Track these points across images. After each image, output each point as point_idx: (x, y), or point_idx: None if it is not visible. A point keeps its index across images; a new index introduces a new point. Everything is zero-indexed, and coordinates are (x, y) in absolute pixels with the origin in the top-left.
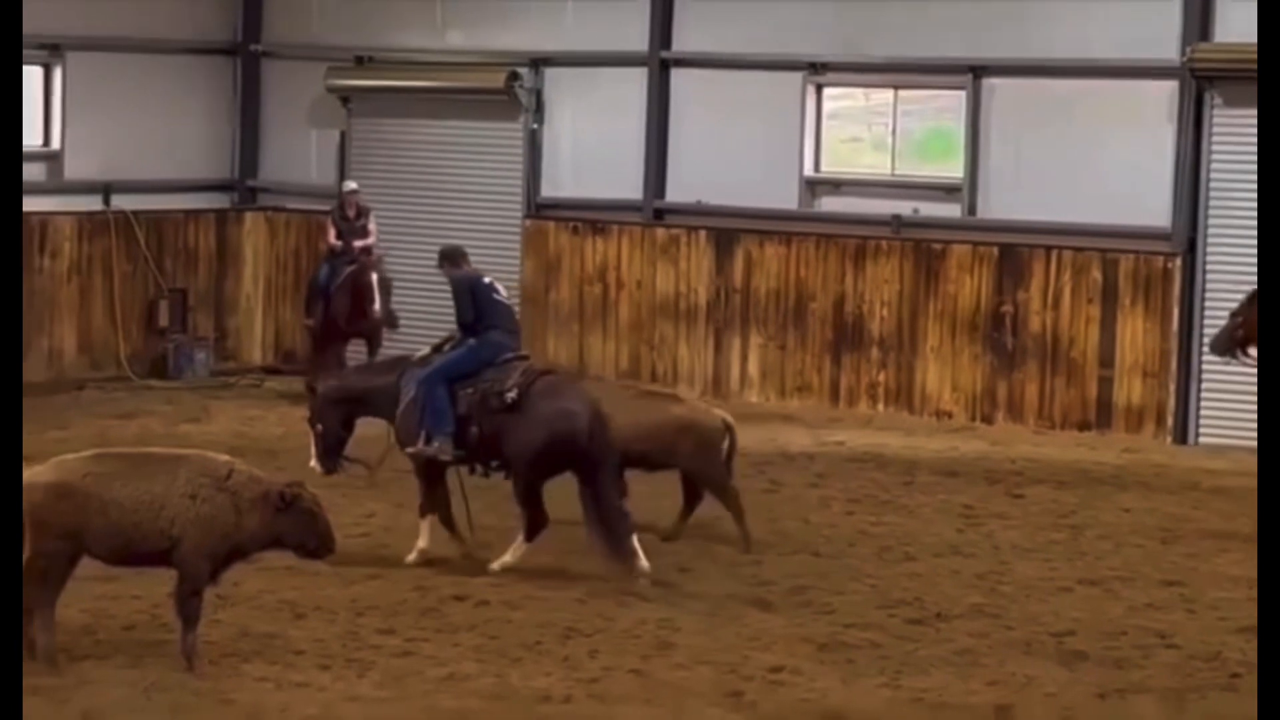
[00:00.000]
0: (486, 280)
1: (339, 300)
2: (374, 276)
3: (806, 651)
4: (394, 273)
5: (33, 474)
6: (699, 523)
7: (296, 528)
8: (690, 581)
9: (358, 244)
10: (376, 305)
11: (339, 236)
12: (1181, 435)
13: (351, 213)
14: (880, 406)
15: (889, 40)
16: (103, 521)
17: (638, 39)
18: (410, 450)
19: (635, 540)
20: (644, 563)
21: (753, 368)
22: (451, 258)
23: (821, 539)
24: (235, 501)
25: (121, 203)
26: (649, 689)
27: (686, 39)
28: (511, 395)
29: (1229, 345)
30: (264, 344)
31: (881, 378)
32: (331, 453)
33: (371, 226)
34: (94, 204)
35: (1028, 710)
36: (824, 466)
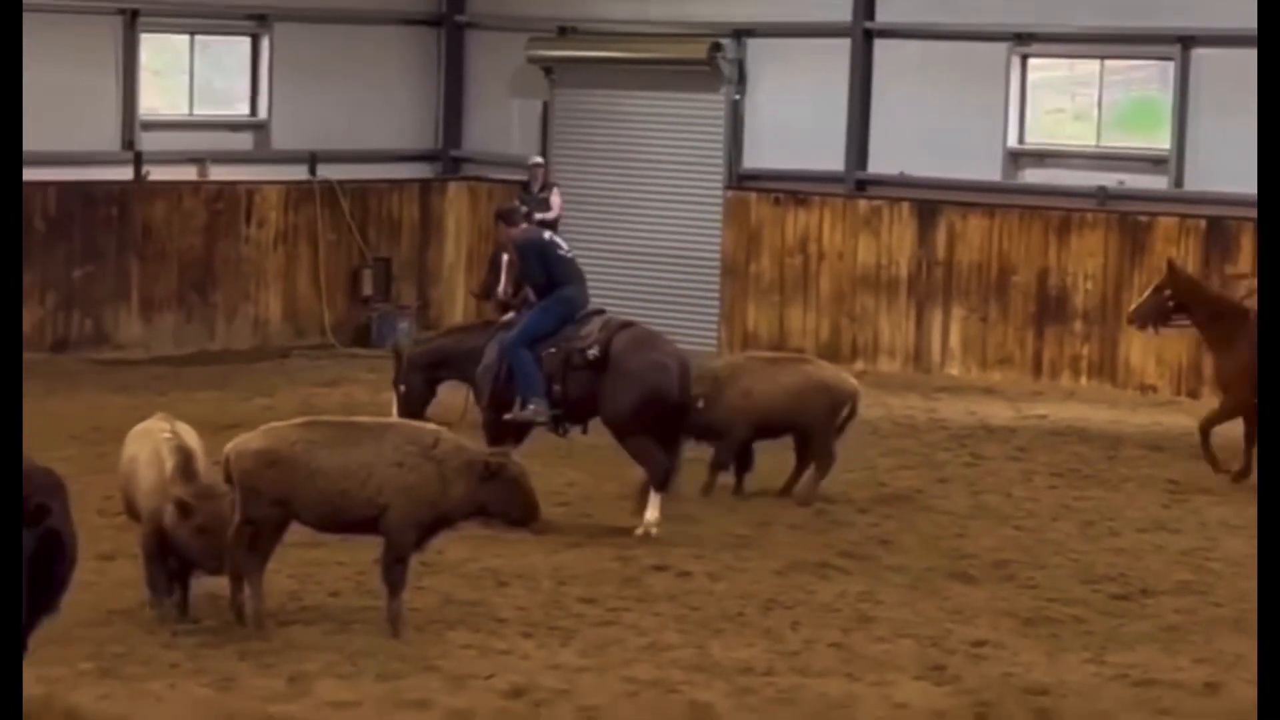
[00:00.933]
0: (548, 237)
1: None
2: (505, 257)
3: (1010, 626)
4: (595, 244)
5: (243, 441)
6: (900, 495)
7: (501, 497)
8: (890, 554)
9: (537, 216)
10: (501, 287)
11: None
12: None
13: (536, 186)
14: (1083, 380)
15: (1094, 9)
16: (311, 489)
17: (841, 9)
18: (508, 416)
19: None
20: (652, 514)
21: (954, 340)
22: (508, 217)
23: (1024, 513)
24: (441, 470)
25: (327, 172)
26: (850, 662)
27: (889, 9)
28: (593, 352)
29: (1158, 316)
30: (465, 313)
31: (1085, 351)
32: (414, 415)
33: (555, 200)
34: (300, 174)
35: (1237, 688)
36: (1026, 440)
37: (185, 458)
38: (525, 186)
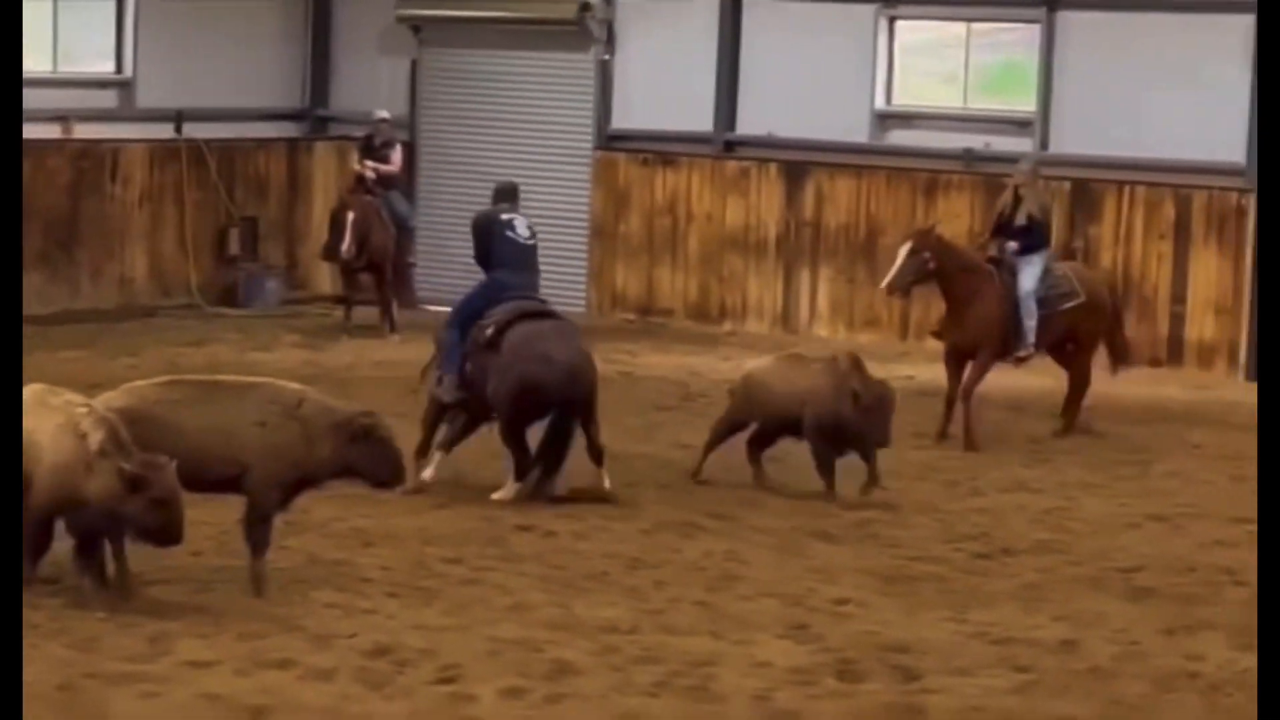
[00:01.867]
0: (505, 218)
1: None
2: (350, 215)
3: (872, 585)
4: (463, 204)
5: (105, 399)
6: (767, 455)
7: (368, 458)
8: (756, 515)
9: (370, 166)
10: (346, 244)
11: (361, 163)
12: (1254, 372)
13: (378, 140)
14: None
15: None
16: (172, 448)
17: None
18: (430, 390)
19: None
20: (502, 494)
21: (822, 301)
22: (499, 194)
23: (888, 473)
24: (306, 430)
25: (193, 131)
26: (714, 620)
27: None
28: (488, 333)
29: (918, 279)
30: (332, 274)
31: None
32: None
33: (395, 156)
34: (165, 132)
35: (1094, 645)
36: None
37: (112, 429)
38: (368, 140)
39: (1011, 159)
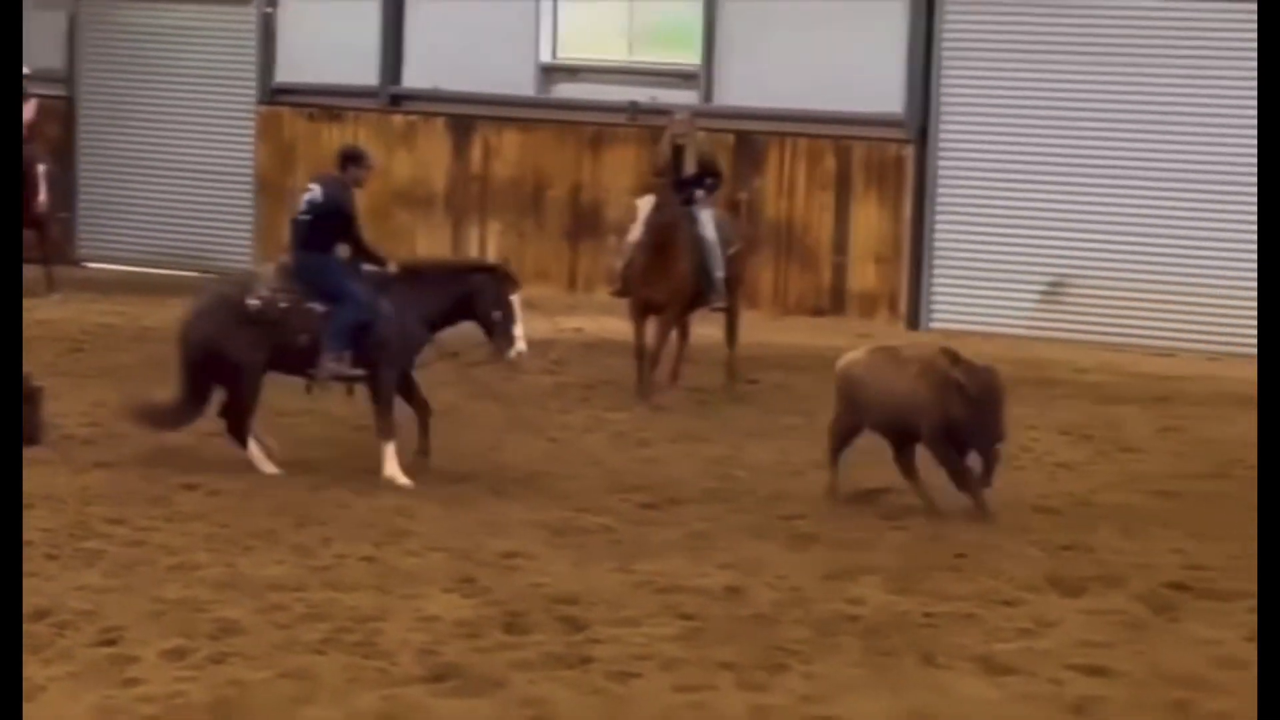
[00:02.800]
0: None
1: None
2: (41, 168)
3: (540, 537)
4: (124, 160)
5: None
6: (437, 410)
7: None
8: (427, 469)
9: None
10: (42, 196)
11: None
12: (914, 320)
13: None
14: None
15: None
16: None
17: None
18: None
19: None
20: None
21: (491, 255)
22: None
23: (557, 426)
24: None
25: None
26: (382, 576)
27: None
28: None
29: None
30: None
31: (620, 265)
32: None
33: (29, 109)
34: None
35: (757, 592)
36: (561, 353)
37: None
38: None
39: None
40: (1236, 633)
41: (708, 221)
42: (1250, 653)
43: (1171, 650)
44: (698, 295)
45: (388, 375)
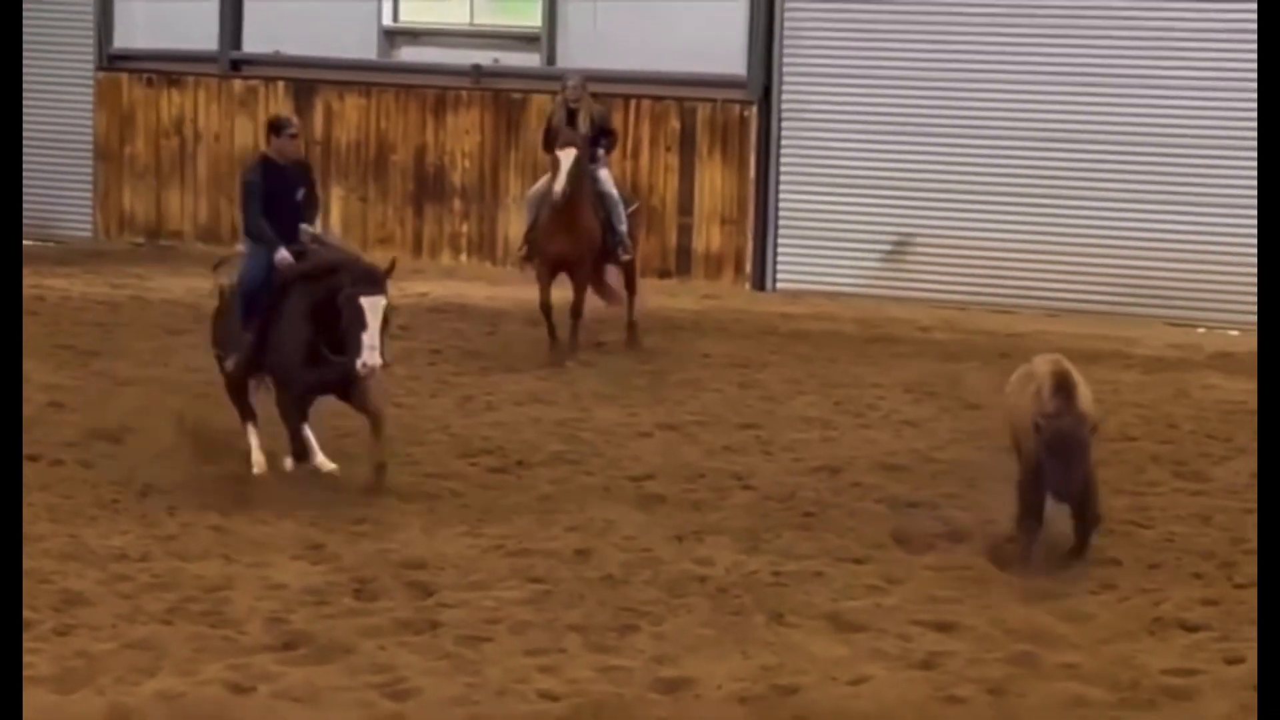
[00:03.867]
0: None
1: None
2: None
3: (388, 503)
4: None
5: None
6: None
7: None
8: (276, 437)
9: None
10: None
11: None
12: (760, 281)
13: None
14: (463, 257)
15: None
16: None
17: None
18: None
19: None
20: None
21: (335, 220)
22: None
23: (404, 390)
24: None
25: None
26: (229, 544)
27: None
28: None
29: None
30: None
31: (464, 229)
32: None
33: None
34: None
35: (606, 554)
36: (407, 318)
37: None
38: None
39: (519, 74)
40: (1080, 585)
41: (608, 179)
42: (1094, 605)
43: (1017, 604)
44: (605, 251)
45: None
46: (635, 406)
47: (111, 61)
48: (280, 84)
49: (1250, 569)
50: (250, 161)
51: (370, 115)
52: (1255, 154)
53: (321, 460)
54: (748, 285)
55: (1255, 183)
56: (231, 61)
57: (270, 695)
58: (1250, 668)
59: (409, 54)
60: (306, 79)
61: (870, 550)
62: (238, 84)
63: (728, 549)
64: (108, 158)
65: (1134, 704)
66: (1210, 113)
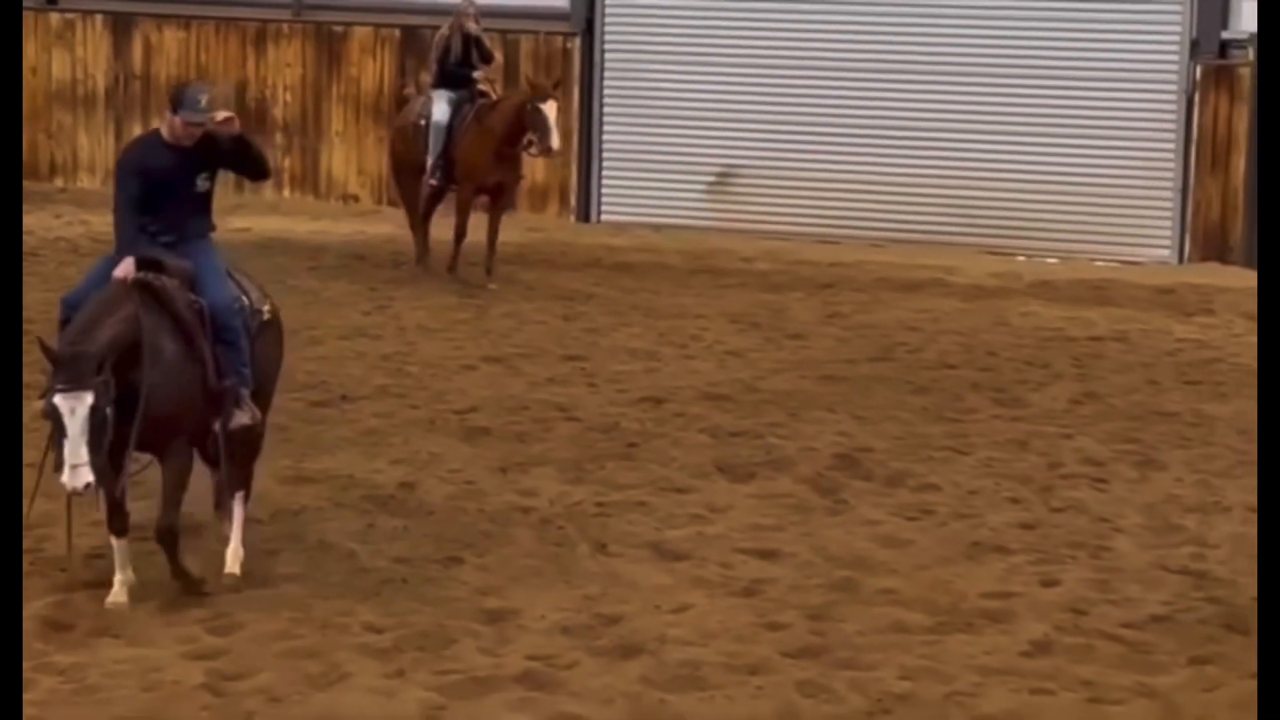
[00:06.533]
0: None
1: None
2: None
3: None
4: None
5: None
6: None
7: None
8: None
9: None
10: None
11: None
12: (584, 214)
13: None
14: (286, 192)
15: None
16: None
17: None
18: None
19: None
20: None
21: None
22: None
23: None
24: None
25: None
26: (41, 483)
27: None
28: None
29: None
30: None
31: (287, 163)
32: None
33: None
34: None
35: (431, 486)
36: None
37: None
38: None
39: (341, 7)
40: (898, 513)
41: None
42: (912, 531)
43: (837, 531)
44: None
45: None
46: (460, 340)
47: None
48: (99, 17)
49: (1067, 493)
50: (135, 138)
51: (190, 48)
52: (1079, 85)
53: None
54: (572, 218)
55: (1076, 114)
56: None
57: (89, 632)
58: (1066, 589)
59: None
60: (125, 11)
61: (693, 480)
62: (54, 17)
63: (552, 480)
64: None
65: (952, 627)
66: (1031, 44)
